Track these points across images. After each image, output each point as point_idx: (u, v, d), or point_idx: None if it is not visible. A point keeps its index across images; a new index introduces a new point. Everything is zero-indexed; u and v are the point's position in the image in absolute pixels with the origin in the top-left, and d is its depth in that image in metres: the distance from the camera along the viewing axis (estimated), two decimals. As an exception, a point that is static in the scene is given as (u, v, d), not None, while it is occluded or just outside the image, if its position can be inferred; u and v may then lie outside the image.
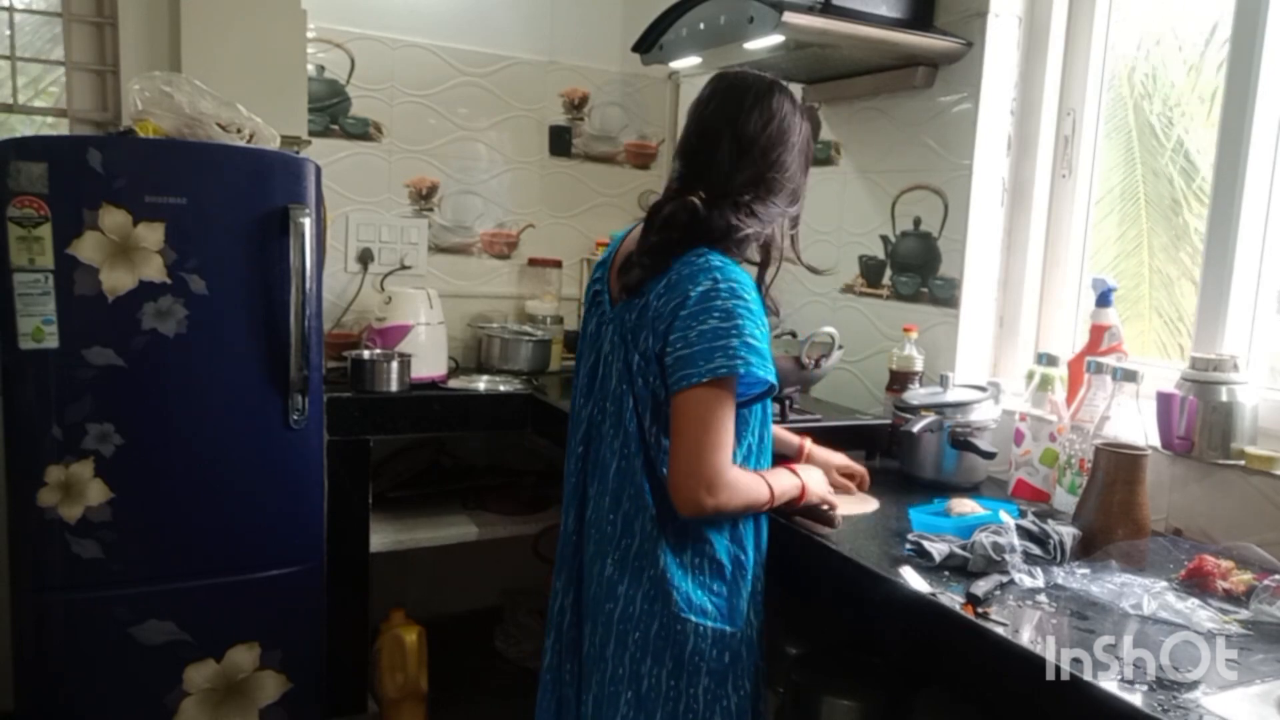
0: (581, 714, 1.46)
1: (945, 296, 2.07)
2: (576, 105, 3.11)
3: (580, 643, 1.48)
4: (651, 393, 1.34)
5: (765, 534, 1.47)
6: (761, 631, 1.46)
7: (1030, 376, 1.77)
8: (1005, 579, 1.27)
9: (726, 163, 1.36)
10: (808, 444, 1.67)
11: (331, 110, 2.77)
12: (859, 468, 1.67)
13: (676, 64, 2.22)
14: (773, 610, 1.46)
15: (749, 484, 1.35)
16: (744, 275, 1.33)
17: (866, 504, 1.65)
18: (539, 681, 1.58)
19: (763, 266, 1.46)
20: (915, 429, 1.73)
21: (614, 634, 1.38)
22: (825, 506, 1.50)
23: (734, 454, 1.36)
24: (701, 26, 2.01)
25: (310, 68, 2.64)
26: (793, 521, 1.51)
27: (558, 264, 3.05)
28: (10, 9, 2.43)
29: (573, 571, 1.50)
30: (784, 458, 1.62)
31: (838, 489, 1.59)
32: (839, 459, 1.67)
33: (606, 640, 1.39)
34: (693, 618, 1.35)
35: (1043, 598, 1.24)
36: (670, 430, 1.31)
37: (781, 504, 1.43)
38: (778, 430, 1.61)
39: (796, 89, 2.48)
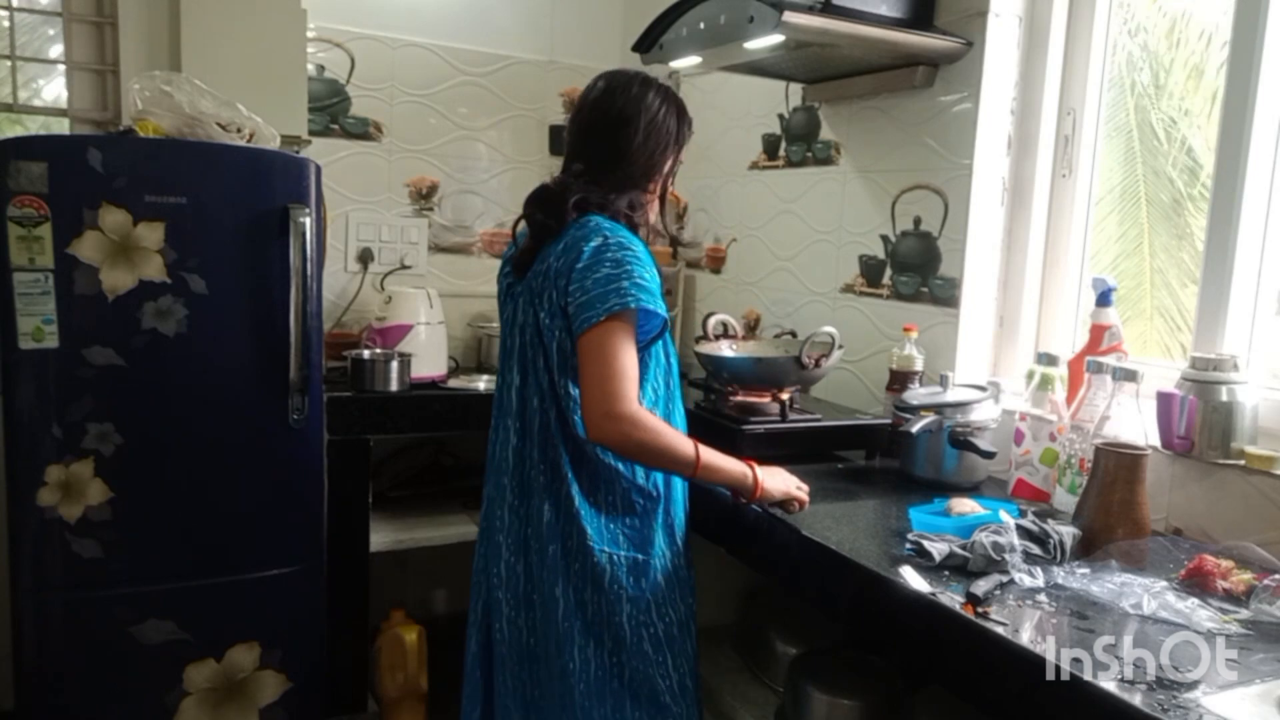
0: (544, 650, 1.53)
1: (945, 296, 2.07)
2: (576, 105, 3.11)
3: (528, 593, 1.55)
4: (558, 345, 1.47)
5: (682, 486, 1.58)
6: (686, 565, 1.58)
7: (1030, 376, 1.77)
8: (1005, 579, 1.27)
9: (576, 150, 1.56)
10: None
11: (331, 110, 2.77)
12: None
13: (677, 63, 2.22)
14: (773, 610, 1.46)
15: (667, 429, 1.43)
16: (630, 234, 1.49)
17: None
18: (465, 640, 1.67)
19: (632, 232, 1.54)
20: (915, 429, 1.73)
21: (560, 571, 1.50)
22: (796, 505, 1.56)
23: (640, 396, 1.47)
24: (701, 26, 2.01)
25: (310, 67, 2.64)
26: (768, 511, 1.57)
27: (558, 264, 3.05)
28: (10, 8, 2.43)
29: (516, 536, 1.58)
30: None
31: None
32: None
33: (555, 579, 1.50)
34: (606, 548, 1.49)
35: (1043, 597, 1.24)
36: (579, 371, 1.43)
37: (724, 483, 1.53)
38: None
39: (796, 89, 2.49)
